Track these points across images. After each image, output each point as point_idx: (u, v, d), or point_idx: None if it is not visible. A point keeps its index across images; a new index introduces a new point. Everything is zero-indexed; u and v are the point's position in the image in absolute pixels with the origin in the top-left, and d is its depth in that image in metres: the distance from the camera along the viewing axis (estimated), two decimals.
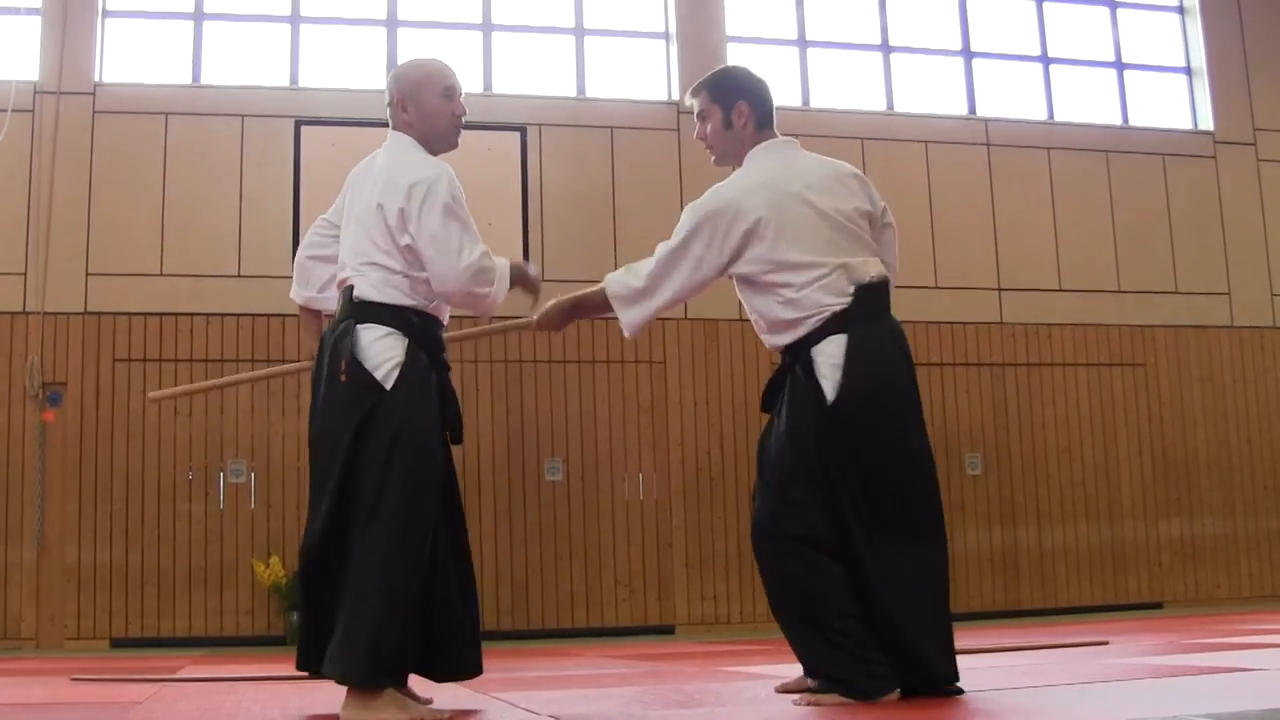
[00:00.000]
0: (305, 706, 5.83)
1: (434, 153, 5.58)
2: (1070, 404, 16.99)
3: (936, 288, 16.61)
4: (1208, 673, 6.12)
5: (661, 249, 5.59)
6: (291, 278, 5.84)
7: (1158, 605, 16.68)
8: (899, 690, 5.16)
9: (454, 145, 5.65)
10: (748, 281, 5.57)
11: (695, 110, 5.88)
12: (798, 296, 5.42)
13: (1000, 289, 16.97)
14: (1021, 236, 17.18)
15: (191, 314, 14.92)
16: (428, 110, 5.54)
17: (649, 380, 15.84)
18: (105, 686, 7.52)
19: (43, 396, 14.56)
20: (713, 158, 5.93)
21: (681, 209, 5.66)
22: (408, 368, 5.19)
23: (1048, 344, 16.99)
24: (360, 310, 5.25)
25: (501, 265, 5.39)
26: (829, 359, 5.35)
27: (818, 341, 5.39)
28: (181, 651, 13.02)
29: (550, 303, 5.83)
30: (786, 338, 5.50)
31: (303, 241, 5.85)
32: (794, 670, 5.78)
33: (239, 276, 15.05)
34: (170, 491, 14.66)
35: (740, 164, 5.77)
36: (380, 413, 5.11)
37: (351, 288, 5.30)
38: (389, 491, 5.06)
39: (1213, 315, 17.63)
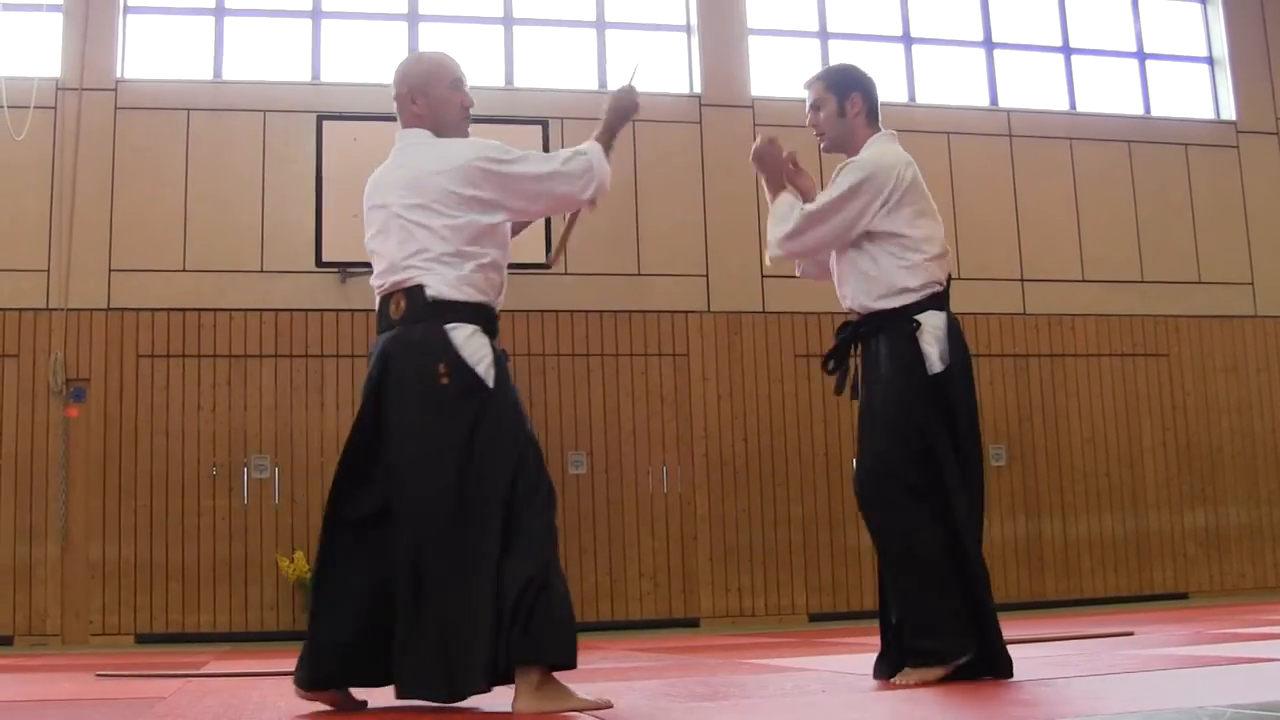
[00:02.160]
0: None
1: None
2: (1094, 395, 16.96)
3: (959, 279, 16.39)
4: (1233, 663, 6.11)
5: (820, 198, 5.97)
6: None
7: (1183, 596, 16.63)
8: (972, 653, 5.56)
9: (465, 135, 5.62)
10: (879, 238, 5.93)
11: (809, 100, 6.26)
12: (922, 265, 5.93)
13: (1023, 280, 16.94)
14: (1044, 227, 17.15)
15: (215, 309, 14.94)
16: (437, 101, 5.57)
17: (672, 373, 15.83)
18: (130, 682, 7.54)
19: (66, 393, 14.59)
20: (822, 144, 6.29)
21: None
22: (499, 364, 5.20)
23: (1071, 335, 16.95)
24: (441, 310, 5.18)
25: (590, 150, 5.48)
26: (933, 330, 5.84)
27: (922, 311, 5.84)
28: (206, 647, 13.06)
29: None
30: (895, 302, 5.89)
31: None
32: (819, 664, 5.78)
33: (261, 272, 15.06)
34: (194, 487, 14.68)
35: (851, 151, 6.14)
36: (491, 412, 5.12)
37: (421, 287, 5.20)
38: (539, 484, 5.10)
39: (1236, 305, 17.58)
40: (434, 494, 5.06)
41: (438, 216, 5.23)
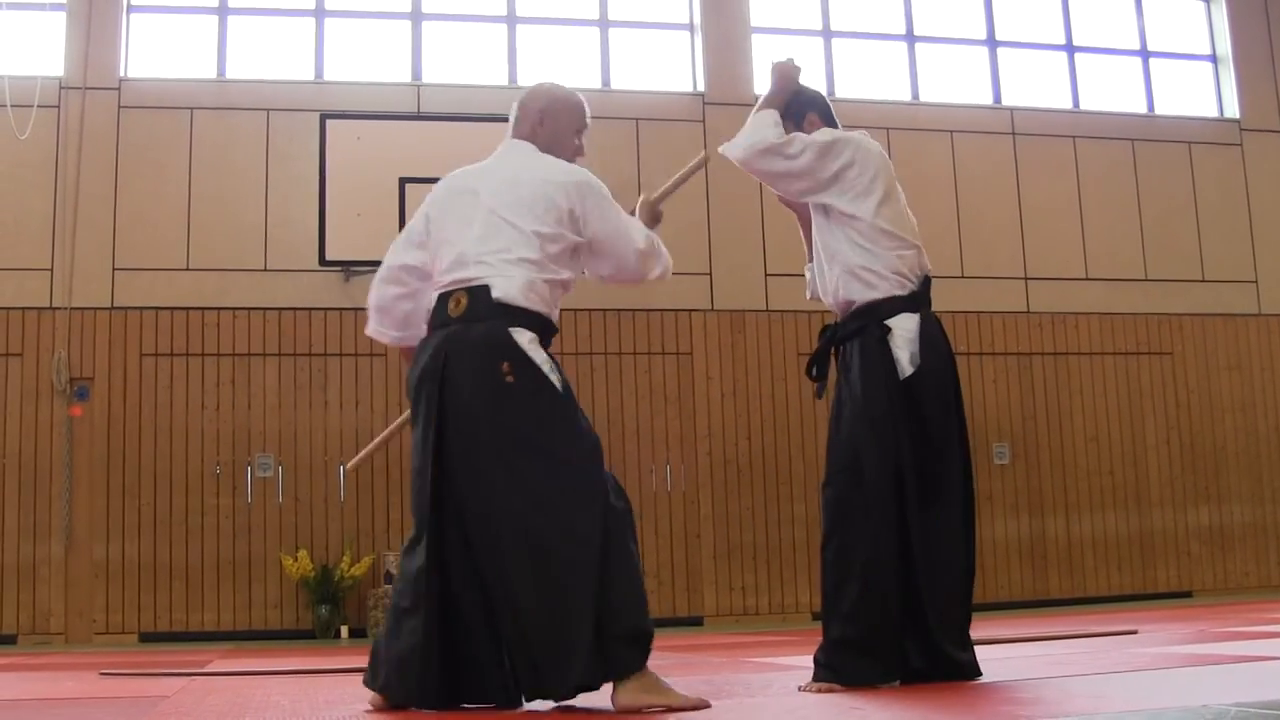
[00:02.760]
0: (333, 700, 5.83)
1: None
2: (1097, 393, 16.96)
3: (962, 277, 16.56)
4: (1237, 662, 6.10)
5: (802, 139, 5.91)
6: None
7: (1186, 594, 16.63)
8: (898, 680, 5.48)
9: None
10: (843, 219, 5.87)
11: None
12: (885, 256, 5.79)
13: (1027, 278, 16.94)
14: (1047, 226, 17.14)
15: (218, 308, 14.94)
16: (562, 136, 5.57)
17: (676, 372, 15.83)
18: (134, 681, 7.54)
19: (70, 391, 14.60)
20: None
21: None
22: (560, 372, 5.13)
23: (1074, 333, 16.95)
24: (505, 312, 5.09)
25: (657, 239, 5.63)
26: (904, 333, 5.71)
27: (891, 315, 5.73)
28: (210, 646, 13.07)
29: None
30: (863, 294, 5.80)
31: (381, 279, 5.64)
32: None
33: (265, 270, 15.06)
34: (198, 486, 14.70)
35: None
36: (561, 410, 5.06)
37: (486, 288, 5.12)
38: (615, 488, 5.06)
39: (1240, 303, 17.58)
40: (518, 492, 4.96)
41: (532, 220, 5.19)
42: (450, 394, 5.05)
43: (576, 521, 4.89)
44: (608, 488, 4.97)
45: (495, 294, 5.09)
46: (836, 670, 5.47)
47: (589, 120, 5.69)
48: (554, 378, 5.06)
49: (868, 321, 5.75)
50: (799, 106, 6.08)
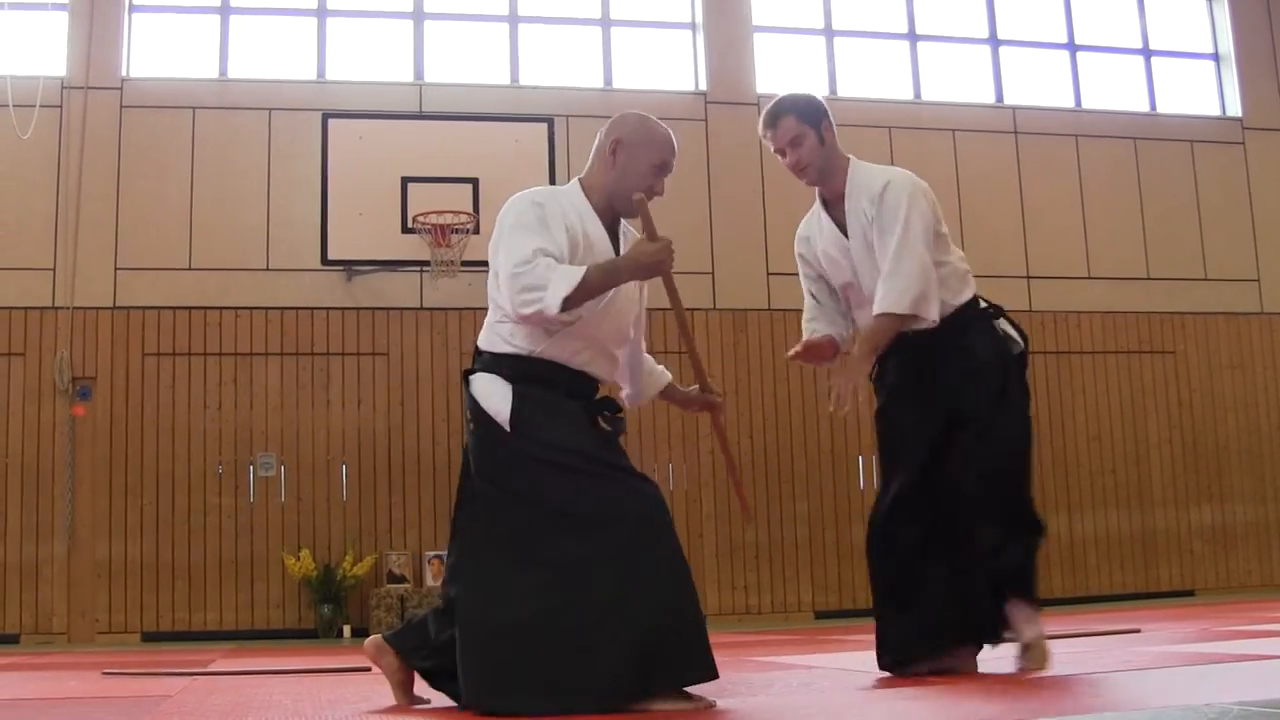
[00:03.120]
0: (336, 700, 5.83)
1: (612, 209, 5.38)
2: (1100, 392, 16.95)
3: None
4: (1240, 660, 6.10)
5: (898, 238, 5.74)
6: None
7: (1189, 593, 16.62)
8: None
9: (630, 213, 5.38)
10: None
11: (783, 137, 5.99)
12: (960, 269, 5.99)
13: (1029, 277, 16.93)
14: (1050, 224, 17.14)
15: (220, 308, 14.95)
16: (632, 169, 5.30)
17: (678, 370, 15.68)
18: (136, 680, 7.54)
19: (72, 391, 14.60)
20: (806, 179, 6.06)
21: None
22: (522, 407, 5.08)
23: (1077, 332, 16.94)
24: (478, 358, 5.28)
25: (555, 271, 4.98)
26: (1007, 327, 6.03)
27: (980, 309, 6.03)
28: (212, 645, 13.06)
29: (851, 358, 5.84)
30: (954, 298, 5.94)
31: None
32: (825, 661, 5.78)
33: (267, 270, 15.07)
34: (200, 485, 14.71)
35: (834, 181, 6.02)
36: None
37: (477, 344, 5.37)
38: None
39: (1242, 302, 17.57)
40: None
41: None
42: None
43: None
44: None
45: (480, 343, 5.30)
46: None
47: (671, 156, 5.41)
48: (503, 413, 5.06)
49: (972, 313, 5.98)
50: (816, 114, 6.00)
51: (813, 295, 6.24)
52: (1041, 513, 5.86)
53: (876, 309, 5.72)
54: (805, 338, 6.16)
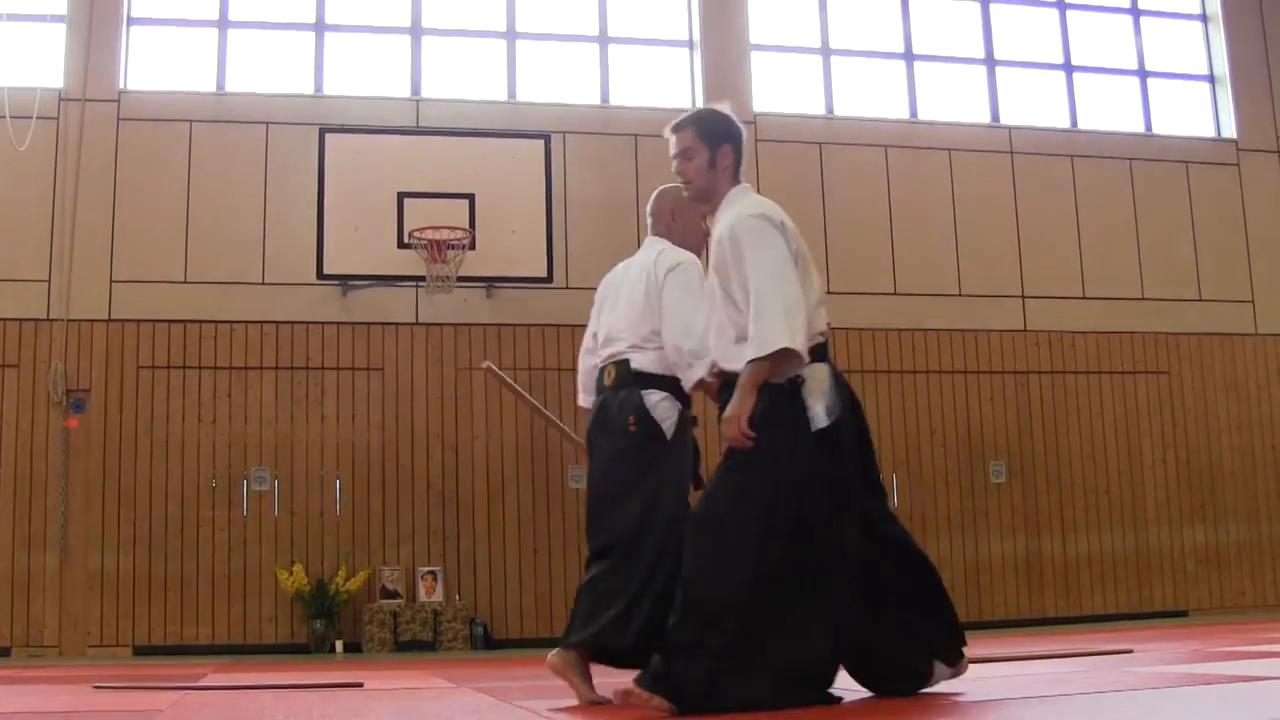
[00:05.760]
0: (328, 715, 5.82)
1: None
2: (1094, 411, 16.96)
3: (960, 295, 16.59)
4: (1233, 681, 6.10)
5: (759, 273, 5.42)
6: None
7: (1182, 613, 16.62)
8: None
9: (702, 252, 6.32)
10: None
11: (677, 145, 5.95)
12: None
13: (1024, 297, 16.95)
14: (1045, 244, 17.15)
15: (215, 321, 14.95)
16: (691, 228, 6.49)
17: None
18: (128, 694, 7.52)
19: (66, 403, 14.59)
20: (687, 194, 6.00)
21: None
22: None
23: (1071, 352, 16.95)
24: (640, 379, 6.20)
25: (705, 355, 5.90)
26: (818, 384, 5.44)
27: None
28: (204, 659, 13.04)
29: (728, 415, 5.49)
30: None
31: (583, 349, 6.74)
32: None
33: (263, 284, 15.07)
34: (193, 498, 14.69)
35: (711, 203, 5.88)
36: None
37: (627, 361, 6.25)
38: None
39: (1236, 323, 17.59)
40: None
41: (646, 301, 6.21)
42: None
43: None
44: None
45: (634, 365, 6.22)
46: None
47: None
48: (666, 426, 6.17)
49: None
50: (717, 136, 5.97)
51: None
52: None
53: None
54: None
